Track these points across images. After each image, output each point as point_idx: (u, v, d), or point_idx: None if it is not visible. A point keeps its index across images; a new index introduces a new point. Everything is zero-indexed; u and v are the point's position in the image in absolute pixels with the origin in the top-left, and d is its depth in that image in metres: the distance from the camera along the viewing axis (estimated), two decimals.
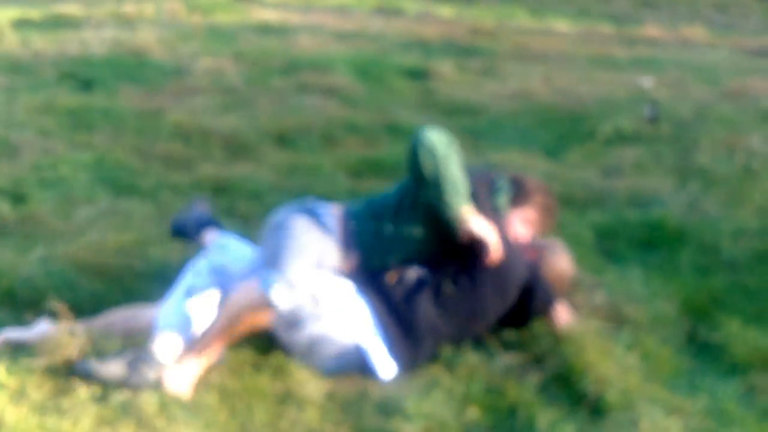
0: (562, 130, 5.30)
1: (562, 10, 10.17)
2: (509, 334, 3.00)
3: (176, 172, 4.55)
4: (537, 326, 2.98)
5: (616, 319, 3.11)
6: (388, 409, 2.64)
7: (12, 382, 2.63)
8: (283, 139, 4.89)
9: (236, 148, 4.91)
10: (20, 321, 3.01)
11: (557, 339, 2.92)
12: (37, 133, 5.01)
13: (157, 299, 3.12)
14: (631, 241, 3.80)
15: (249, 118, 5.41)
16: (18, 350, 2.81)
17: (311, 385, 2.73)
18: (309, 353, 2.83)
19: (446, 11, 9.79)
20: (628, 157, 4.81)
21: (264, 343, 2.88)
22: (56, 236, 3.69)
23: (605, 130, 5.14)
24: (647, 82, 6.50)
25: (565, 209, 4.02)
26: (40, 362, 2.70)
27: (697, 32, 9.06)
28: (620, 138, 5.09)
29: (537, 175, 4.34)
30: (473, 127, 5.37)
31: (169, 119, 5.30)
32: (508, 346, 2.97)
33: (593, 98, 5.90)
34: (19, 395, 2.58)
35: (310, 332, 2.82)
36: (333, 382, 2.77)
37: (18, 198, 4.11)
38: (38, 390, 2.61)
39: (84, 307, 3.06)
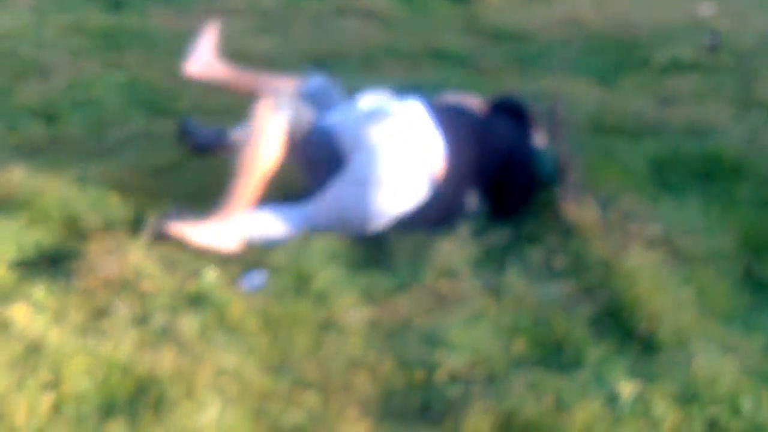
0: (616, 57, 5.10)
1: None
2: (559, 262, 2.91)
3: (210, 95, 4.43)
4: (588, 255, 2.89)
5: (671, 252, 3.00)
6: (433, 339, 2.56)
7: (52, 303, 2.58)
8: (320, 64, 4.75)
9: (273, 72, 4.78)
10: (57, 241, 2.95)
11: (609, 270, 2.82)
12: (69, 53, 4.90)
13: (192, 219, 3.06)
14: (687, 172, 3.65)
15: (285, 41, 5.28)
16: (57, 270, 2.75)
17: (353, 313, 2.66)
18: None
19: None
20: (685, 86, 4.64)
21: (306, 269, 2.81)
22: (90, 157, 3.61)
23: (661, 58, 4.95)
24: (707, 9, 6.25)
25: (618, 139, 3.92)
26: (80, 283, 2.64)
27: None
28: (677, 67, 4.90)
29: (590, 103, 4.25)
30: (521, 53, 5.19)
31: None
32: (557, 275, 2.88)
33: (648, 25, 5.68)
34: (59, 316, 2.52)
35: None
36: (376, 310, 2.69)
37: (51, 118, 4.03)
38: (78, 311, 2.56)
39: (119, 227, 2.99)
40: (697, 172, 3.70)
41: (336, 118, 3.25)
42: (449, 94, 3.59)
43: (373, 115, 3.19)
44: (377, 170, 3.07)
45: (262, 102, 3.15)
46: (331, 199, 3.11)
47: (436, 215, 3.15)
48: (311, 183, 3.18)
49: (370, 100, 3.31)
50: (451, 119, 3.24)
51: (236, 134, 3.46)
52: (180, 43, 5.09)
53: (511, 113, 3.49)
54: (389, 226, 3.11)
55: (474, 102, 3.53)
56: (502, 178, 3.29)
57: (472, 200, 3.26)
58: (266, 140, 3.08)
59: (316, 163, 3.19)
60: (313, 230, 3.06)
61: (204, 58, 3.59)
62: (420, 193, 3.11)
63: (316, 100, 3.32)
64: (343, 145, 3.14)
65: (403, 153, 3.09)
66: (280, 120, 3.09)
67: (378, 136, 3.10)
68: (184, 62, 3.55)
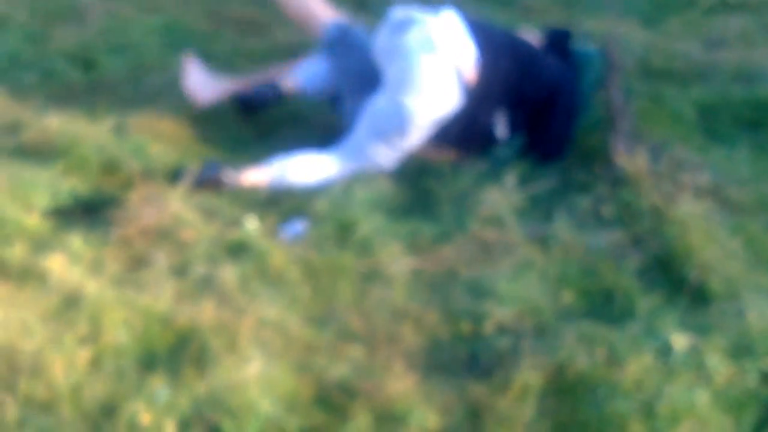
0: None
1: None
2: (607, 211, 2.83)
3: (250, 38, 4.36)
4: (638, 204, 2.82)
5: (720, 202, 2.92)
6: (479, 290, 2.51)
7: (89, 253, 2.54)
8: (363, 3, 4.65)
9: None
10: (93, 189, 2.91)
11: (659, 220, 2.74)
12: None
13: (235, 167, 3.02)
14: (736, 119, 3.56)
15: None
16: (93, 219, 2.72)
17: (397, 263, 2.61)
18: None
19: None
20: (732, 27, 4.49)
21: (348, 218, 2.75)
22: (128, 103, 3.54)
23: None
24: None
25: (666, 83, 3.81)
26: (117, 232, 2.61)
27: None
28: (724, 6, 4.75)
29: (636, 45, 4.13)
30: None
31: None
32: (605, 224, 2.81)
33: None
34: (96, 267, 2.49)
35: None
36: (420, 260, 2.64)
37: (87, 63, 3.96)
38: (115, 262, 2.52)
39: (159, 176, 2.95)
40: (745, 119, 3.60)
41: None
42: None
43: (405, 24, 3.19)
44: (412, 73, 3.07)
45: None
46: (371, 112, 3.12)
47: (466, 130, 3.15)
48: (348, 108, 3.26)
49: (401, 13, 3.27)
50: (487, 33, 3.23)
51: (287, 81, 3.41)
52: None
53: (562, 49, 3.46)
54: (426, 140, 3.13)
55: (533, 38, 3.48)
56: (543, 110, 3.26)
57: (502, 124, 3.22)
58: None
59: (354, 81, 3.29)
60: (355, 159, 3.08)
61: (205, 85, 3.51)
62: (453, 98, 3.10)
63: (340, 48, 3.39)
64: (379, 57, 3.22)
65: (437, 56, 3.08)
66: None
67: (411, 41, 3.11)
68: (192, 102, 3.46)
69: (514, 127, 3.23)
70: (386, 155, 3.10)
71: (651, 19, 4.62)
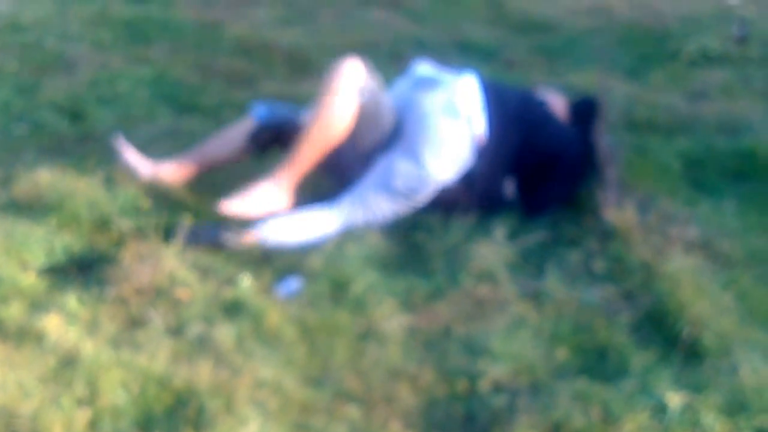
0: (644, 49, 5.02)
1: None
2: (598, 266, 2.86)
3: (238, 89, 4.39)
4: (629, 259, 2.84)
5: (710, 256, 2.95)
6: (473, 347, 2.52)
7: (84, 312, 2.54)
8: (348, 55, 4.69)
9: (299, 65, 4.73)
10: (87, 246, 2.91)
11: (650, 274, 2.77)
12: (93, 46, 4.84)
13: (223, 221, 3.03)
14: (721, 170, 3.60)
15: (312, 32, 5.21)
16: (88, 277, 2.72)
17: (392, 321, 2.61)
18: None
19: None
20: (715, 79, 4.56)
21: (342, 275, 2.76)
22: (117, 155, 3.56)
23: (690, 50, 4.87)
24: None
25: (650, 135, 3.86)
26: (113, 291, 2.61)
27: None
28: (706, 59, 4.83)
29: (620, 97, 4.18)
30: (548, 45, 5.12)
31: (230, 33, 5.10)
32: (596, 278, 2.83)
33: (676, 15, 5.59)
34: (92, 327, 2.48)
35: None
36: (415, 317, 2.65)
37: (76, 115, 3.98)
38: (111, 321, 2.52)
39: (152, 232, 2.95)
40: (731, 171, 3.65)
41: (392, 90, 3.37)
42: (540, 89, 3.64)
43: (430, 83, 3.26)
44: (433, 134, 3.11)
45: (347, 61, 3.20)
46: (381, 167, 3.13)
47: (475, 193, 3.17)
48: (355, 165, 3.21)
49: (425, 68, 3.37)
50: (500, 100, 3.26)
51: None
52: (206, 36, 5.10)
53: (586, 117, 3.47)
54: (433, 200, 3.15)
55: (557, 102, 3.51)
56: (543, 171, 3.28)
57: (510, 187, 3.26)
58: (342, 98, 3.11)
59: (368, 136, 3.20)
60: (357, 213, 3.09)
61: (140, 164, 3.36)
62: (463, 160, 3.13)
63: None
64: (397, 109, 3.23)
65: (458, 122, 3.13)
66: (357, 79, 3.15)
67: (435, 102, 3.17)
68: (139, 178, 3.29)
69: (519, 187, 3.28)
70: (389, 210, 3.12)
71: (634, 72, 4.69)
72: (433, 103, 3.17)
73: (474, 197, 3.17)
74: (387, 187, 3.10)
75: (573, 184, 3.32)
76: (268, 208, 3.06)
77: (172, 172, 3.32)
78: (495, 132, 3.18)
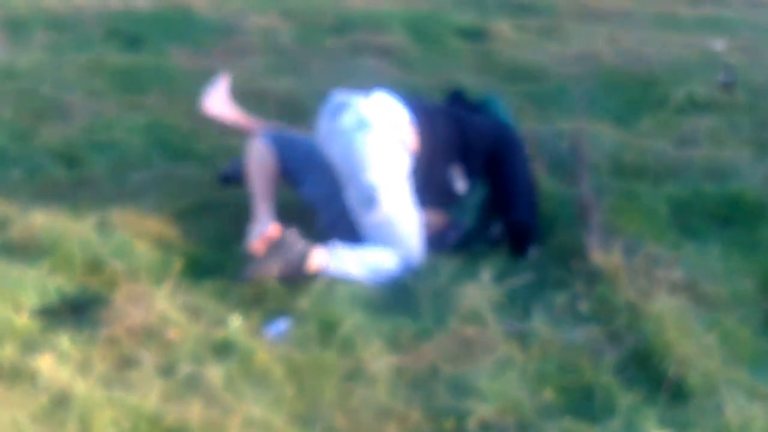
0: (632, 96, 5.09)
1: None
2: (584, 307, 2.90)
3: (231, 136, 4.43)
4: (614, 300, 2.88)
5: (694, 298, 2.99)
6: (461, 387, 2.55)
7: (77, 352, 2.57)
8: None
9: (292, 112, 4.78)
10: (80, 288, 2.95)
11: (636, 315, 2.81)
12: (87, 93, 4.90)
13: (217, 267, 3.08)
14: (708, 215, 3.64)
15: (303, 80, 5.28)
16: (81, 318, 2.75)
17: (380, 361, 2.64)
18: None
19: None
20: (702, 126, 4.62)
21: (330, 316, 2.80)
22: (112, 201, 3.59)
23: (677, 96, 4.94)
24: (719, 45, 6.24)
25: (638, 181, 3.91)
26: (105, 331, 2.64)
27: None
28: (693, 105, 4.89)
29: (608, 143, 4.24)
30: (536, 92, 5.18)
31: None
32: (582, 319, 2.86)
33: (662, 62, 5.67)
34: (84, 367, 2.52)
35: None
36: (402, 357, 2.68)
37: (71, 161, 4.03)
38: (103, 361, 2.55)
39: (143, 274, 2.99)
40: (717, 215, 3.68)
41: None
42: None
43: (339, 108, 3.30)
44: (355, 153, 3.18)
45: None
46: (350, 208, 3.23)
47: (425, 192, 3.24)
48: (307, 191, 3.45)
49: (337, 97, 3.37)
50: (418, 102, 3.38)
51: None
52: (199, 83, 5.15)
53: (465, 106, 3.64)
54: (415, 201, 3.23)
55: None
56: (496, 163, 3.37)
57: (459, 177, 3.34)
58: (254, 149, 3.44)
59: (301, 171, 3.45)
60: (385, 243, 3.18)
61: (219, 100, 3.83)
62: (403, 163, 3.20)
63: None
64: (322, 144, 3.33)
65: (373, 132, 3.18)
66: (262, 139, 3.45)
67: (345, 124, 3.22)
68: (202, 101, 3.78)
69: (471, 177, 3.36)
70: (397, 232, 3.18)
71: (623, 119, 4.75)
72: (345, 123, 3.22)
73: (427, 194, 3.25)
74: (363, 217, 3.19)
75: (529, 164, 3.46)
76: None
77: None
78: (421, 128, 3.25)
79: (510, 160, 3.39)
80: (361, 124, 3.19)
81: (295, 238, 3.05)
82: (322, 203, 3.39)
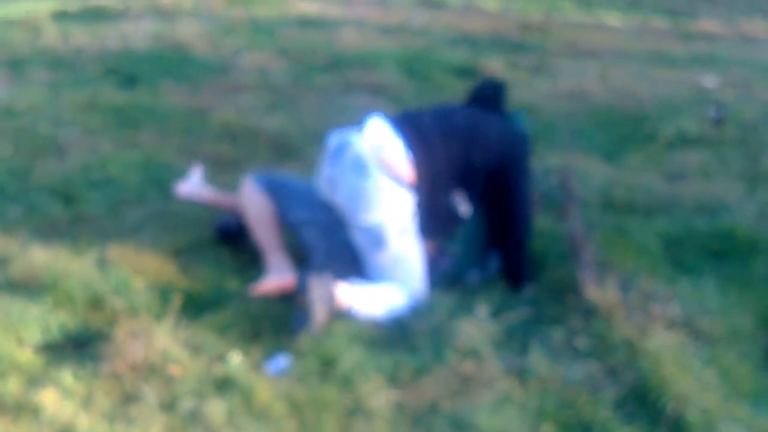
0: (622, 131, 5.16)
1: (611, 3, 9.91)
2: (582, 343, 2.92)
3: (224, 173, 4.46)
4: (611, 336, 2.91)
5: (692, 333, 3.01)
6: (460, 423, 2.56)
7: (80, 388, 2.58)
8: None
9: (283, 149, 4.84)
10: (82, 324, 2.96)
11: (633, 351, 2.83)
12: (84, 131, 4.95)
13: (215, 303, 3.10)
14: (700, 250, 3.68)
15: (296, 117, 5.34)
16: (83, 354, 2.77)
17: (379, 397, 2.66)
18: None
19: (491, 3, 9.55)
20: (692, 161, 4.68)
21: (330, 352, 2.81)
22: (109, 238, 3.62)
23: (667, 132, 5.00)
24: (710, 81, 6.34)
25: (629, 216, 3.95)
26: (107, 367, 2.65)
27: (756, 27, 8.70)
28: (683, 141, 4.96)
29: (599, 179, 4.29)
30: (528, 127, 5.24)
31: (216, 118, 5.23)
32: (580, 355, 2.88)
33: (653, 98, 5.76)
34: (87, 402, 2.53)
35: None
36: (401, 393, 2.69)
37: (68, 198, 4.06)
38: (106, 397, 2.56)
39: (143, 310, 3.01)
40: (710, 250, 3.72)
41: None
42: None
43: (339, 150, 3.28)
44: (358, 198, 3.19)
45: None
46: (358, 250, 3.24)
47: (430, 221, 3.26)
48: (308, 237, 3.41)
49: (335, 138, 3.35)
50: (416, 125, 3.31)
51: None
52: (193, 121, 5.21)
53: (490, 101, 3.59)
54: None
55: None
56: (498, 181, 3.34)
57: (462, 201, 3.32)
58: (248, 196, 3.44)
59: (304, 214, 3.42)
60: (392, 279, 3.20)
61: (193, 184, 3.78)
62: (407, 199, 3.20)
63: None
64: (326, 189, 3.33)
65: (373, 175, 3.17)
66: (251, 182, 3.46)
67: (345, 169, 3.23)
68: (177, 187, 3.76)
69: (474, 199, 3.35)
70: (404, 270, 3.20)
71: (612, 155, 4.81)
72: (345, 168, 3.22)
73: (432, 222, 3.26)
74: (370, 258, 3.21)
75: (531, 185, 3.45)
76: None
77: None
78: (420, 159, 3.22)
79: (512, 181, 3.37)
80: (362, 168, 3.19)
81: (324, 281, 3.01)
82: (315, 241, 3.38)
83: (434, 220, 3.29)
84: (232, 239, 3.59)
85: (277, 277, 3.21)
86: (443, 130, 3.33)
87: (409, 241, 3.21)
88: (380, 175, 3.17)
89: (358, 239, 3.22)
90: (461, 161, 3.29)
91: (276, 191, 3.44)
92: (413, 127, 3.30)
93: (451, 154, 3.28)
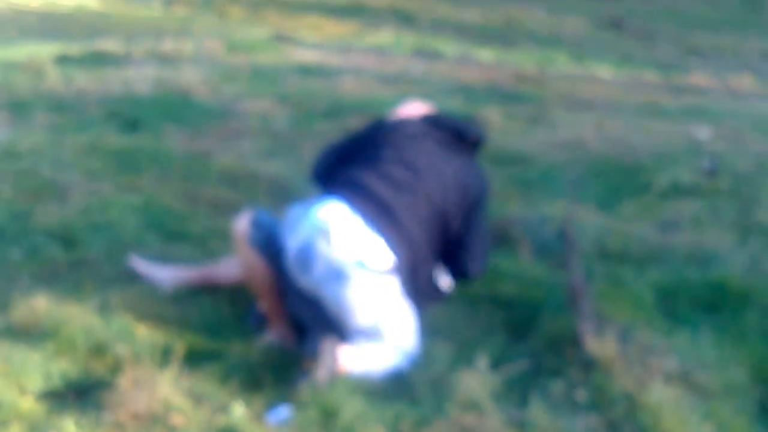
0: (616, 181, 5.21)
1: (604, 56, 10.05)
2: (581, 396, 2.94)
3: (225, 218, 4.47)
4: (611, 389, 2.93)
5: (689, 387, 3.03)
6: None
7: None
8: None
9: (283, 194, 4.86)
10: (84, 371, 2.97)
11: (633, 405, 2.85)
12: (85, 174, 4.96)
13: (217, 352, 3.11)
14: (694, 301, 3.69)
15: (296, 163, 5.37)
16: (85, 402, 2.77)
17: None
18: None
19: (486, 54, 9.68)
20: (685, 211, 4.72)
21: (331, 403, 2.82)
22: (110, 282, 3.65)
23: (661, 182, 5.05)
24: (702, 133, 6.40)
25: (623, 266, 3.98)
26: (109, 416, 2.66)
27: (745, 82, 8.86)
28: (677, 191, 5.00)
29: (593, 228, 4.33)
30: (523, 177, 5.29)
31: (217, 163, 5.27)
32: (579, 408, 2.89)
33: (647, 149, 5.81)
34: None
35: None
36: None
37: (69, 242, 4.07)
38: None
39: (146, 358, 3.02)
40: (703, 301, 3.73)
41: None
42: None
43: (305, 256, 3.10)
44: (344, 304, 3.09)
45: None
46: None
47: (415, 298, 3.22)
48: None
49: (294, 241, 3.16)
50: (378, 202, 3.16)
51: None
52: (194, 166, 5.24)
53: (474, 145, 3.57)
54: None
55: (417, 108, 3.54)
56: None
57: (442, 275, 3.38)
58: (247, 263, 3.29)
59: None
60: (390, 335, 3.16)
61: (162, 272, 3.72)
62: (391, 283, 3.13)
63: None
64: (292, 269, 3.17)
65: (351, 279, 3.06)
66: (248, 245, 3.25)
67: (321, 279, 3.09)
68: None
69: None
70: (401, 342, 3.18)
71: (606, 204, 4.84)
72: (319, 279, 3.08)
73: (415, 298, 3.22)
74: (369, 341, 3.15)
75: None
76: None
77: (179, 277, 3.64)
78: (394, 234, 3.12)
79: (474, 218, 3.37)
80: (338, 274, 3.06)
81: (328, 346, 2.98)
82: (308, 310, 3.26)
83: (418, 296, 3.25)
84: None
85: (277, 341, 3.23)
86: (406, 193, 3.20)
87: (405, 323, 3.18)
88: (358, 273, 3.06)
89: (356, 336, 3.13)
90: (436, 232, 3.27)
91: (272, 248, 3.23)
92: (375, 203, 3.15)
93: (423, 229, 3.22)
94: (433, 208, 3.23)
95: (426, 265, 3.28)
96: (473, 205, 3.37)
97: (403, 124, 3.41)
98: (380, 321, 3.12)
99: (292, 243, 3.12)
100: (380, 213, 3.13)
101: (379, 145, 3.33)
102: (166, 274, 3.68)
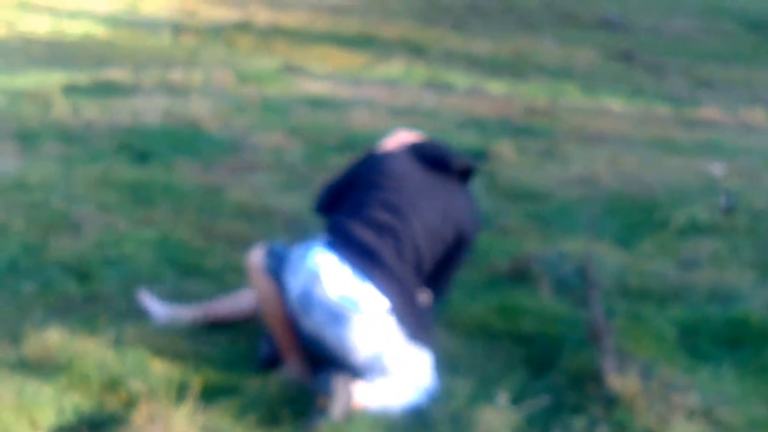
0: (633, 218, 5.19)
1: (615, 89, 10.05)
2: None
3: (240, 252, 4.44)
4: (633, 426, 2.88)
5: (712, 423, 2.99)
6: None
7: None
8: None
9: (298, 228, 4.84)
10: (97, 406, 2.93)
11: None
12: (98, 207, 4.93)
13: (232, 387, 3.07)
14: (715, 338, 3.68)
15: (310, 197, 5.33)
16: None
17: None
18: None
19: (497, 87, 9.67)
20: (704, 249, 4.70)
21: None
22: (125, 317, 3.62)
23: (679, 220, 5.03)
24: (717, 169, 6.38)
25: (643, 303, 3.95)
26: None
27: (756, 115, 8.82)
28: (695, 229, 4.98)
29: (612, 266, 4.29)
30: (539, 213, 5.27)
31: (231, 197, 5.24)
32: None
33: (662, 185, 5.80)
34: None
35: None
36: None
37: (83, 276, 4.03)
38: None
39: (161, 392, 2.98)
40: (724, 338, 3.71)
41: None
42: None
43: (307, 301, 3.13)
44: (347, 348, 3.09)
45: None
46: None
47: (416, 330, 3.17)
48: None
49: (295, 285, 3.18)
50: (364, 250, 3.15)
51: None
52: (207, 199, 5.22)
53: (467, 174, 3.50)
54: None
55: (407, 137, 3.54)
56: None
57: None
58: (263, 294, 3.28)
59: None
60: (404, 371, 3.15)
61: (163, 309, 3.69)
62: (388, 321, 3.10)
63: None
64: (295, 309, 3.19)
65: (351, 322, 3.07)
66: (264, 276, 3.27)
67: (323, 325, 3.11)
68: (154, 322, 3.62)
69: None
70: (413, 379, 3.16)
71: (625, 241, 4.82)
72: (319, 322, 3.10)
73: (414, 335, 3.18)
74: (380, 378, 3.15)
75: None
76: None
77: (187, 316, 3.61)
78: (389, 289, 3.12)
79: (461, 251, 3.35)
80: (337, 317, 3.08)
81: (342, 383, 2.96)
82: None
83: (419, 329, 3.20)
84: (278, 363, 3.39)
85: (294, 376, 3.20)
86: (389, 236, 3.20)
87: (411, 353, 3.15)
88: (356, 314, 3.07)
89: (363, 374, 3.13)
90: (432, 267, 3.28)
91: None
92: (360, 250, 3.16)
93: (405, 259, 3.20)
94: (416, 247, 3.22)
95: (417, 297, 3.24)
96: (458, 242, 3.33)
97: (389, 161, 3.41)
98: (384, 357, 3.10)
99: (293, 285, 3.16)
100: (365, 259, 3.14)
101: (366, 187, 3.34)
102: (161, 310, 3.64)
